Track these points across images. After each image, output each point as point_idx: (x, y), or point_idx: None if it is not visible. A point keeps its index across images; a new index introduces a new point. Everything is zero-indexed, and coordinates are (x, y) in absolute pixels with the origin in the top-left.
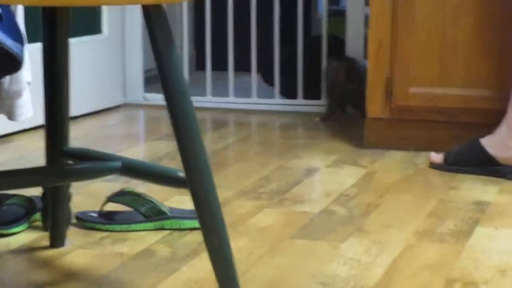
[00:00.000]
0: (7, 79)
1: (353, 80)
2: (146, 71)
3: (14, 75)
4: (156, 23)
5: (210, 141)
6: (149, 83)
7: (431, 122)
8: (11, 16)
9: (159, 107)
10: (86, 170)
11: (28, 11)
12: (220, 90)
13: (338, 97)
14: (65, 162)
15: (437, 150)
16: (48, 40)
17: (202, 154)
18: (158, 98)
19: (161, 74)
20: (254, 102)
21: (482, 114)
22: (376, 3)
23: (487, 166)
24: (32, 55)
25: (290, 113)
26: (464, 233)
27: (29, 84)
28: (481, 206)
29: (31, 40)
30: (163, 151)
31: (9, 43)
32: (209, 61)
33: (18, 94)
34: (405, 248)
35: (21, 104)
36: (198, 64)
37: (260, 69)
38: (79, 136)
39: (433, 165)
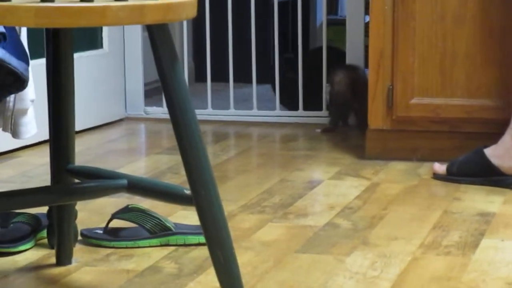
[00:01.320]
0: (11, 97)
1: (358, 91)
2: (145, 84)
3: (18, 94)
4: (160, 41)
5: (211, 154)
6: (148, 96)
7: (433, 133)
8: (16, 35)
9: (160, 120)
10: (93, 188)
11: (31, 28)
12: (220, 102)
13: (341, 109)
14: (70, 180)
15: (440, 161)
16: (52, 56)
17: (208, 170)
18: (158, 111)
19: (165, 91)
20: (254, 114)
21: (484, 124)
22: (376, 13)
23: (491, 176)
24: (35, 71)
25: (291, 125)
26: (470, 245)
27: (33, 102)
28: (486, 217)
29: (34, 56)
30: (165, 165)
31: (14, 62)
32: (209, 73)
33: (23, 112)
34: (411, 261)
35: (26, 122)
36: (198, 75)
37: (273, 85)
38: (81, 151)
39: (437, 176)
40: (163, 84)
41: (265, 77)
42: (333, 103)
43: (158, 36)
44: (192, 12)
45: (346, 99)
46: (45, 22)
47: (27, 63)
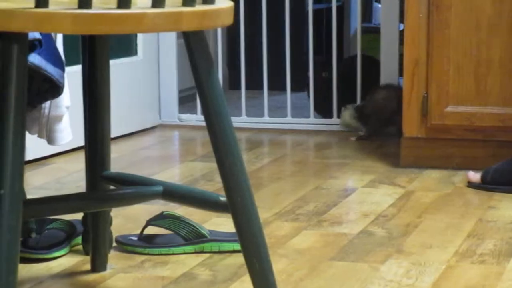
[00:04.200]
0: (47, 104)
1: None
2: (179, 91)
3: (54, 100)
4: (196, 48)
5: (245, 162)
6: (182, 103)
7: (468, 141)
8: (51, 41)
9: (194, 127)
10: (128, 195)
11: (67, 34)
12: (254, 109)
13: (381, 122)
14: (105, 186)
15: (474, 169)
16: (88, 63)
17: (244, 177)
18: (193, 118)
19: (201, 97)
20: (288, 121)
21: None
22: (411, 21)
23: None
24: (71, 78)
25: (324, 132)
26: (504, 254)
27: (68, 108)
28: None
29: (70, 63)
30: (199, 173)
31: (49, 69)
32: (243, 81)
33: (58, 118)
34: (445, 269)
35: (61, 129)
36: (232, 83)
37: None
38: (115, 158)
39: (471, 184)
40: (199, 91)
41: (299, 84)
42: (374, 120)
43: (194, 43)
44: (229, 20)
45: (387, 116)
46: (82, 29)
47: (63, 70)
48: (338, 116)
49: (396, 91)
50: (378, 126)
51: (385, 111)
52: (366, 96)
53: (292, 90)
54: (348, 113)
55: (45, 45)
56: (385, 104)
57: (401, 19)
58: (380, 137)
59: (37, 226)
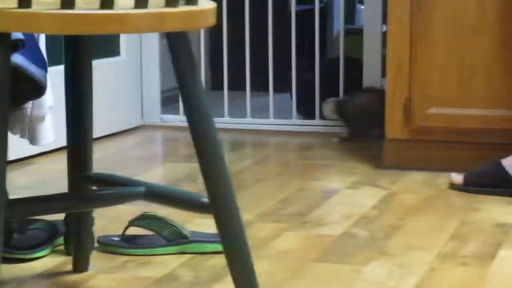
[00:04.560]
0: (29, 104)
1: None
2: (162, 92)
3: (36, 100)
4: (180, 49)
5: (228, 163)
6: (165, 103)
7: (451, 143)
8: (34, 41)
9: (176, 128)
10: (110, 196)
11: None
12: (237, 110)
13: (363, 124)
14: (87, 187)
15: (457, 171)
16: (70, 63)
17: (226, 178)
18: (175, 119)
19: (184, 98)
20: (271, 122)
21: (502, 134)
22: (394, 23)
23: (509, 187)
24: (53, 78)
25: (307, 134)
26: (487, 256)
27: (51, 108)
28: (503, 228)
29: (52, 63)
30: (182, 173)
31: (32, 69)
32: (226, 82)
33: (40, 119)
34: (428, 271)
35: (43, 129)
36: (214, 84)
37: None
38: (97, 158)
39: (454, 186)
40: (182, 91)
41: (282, 86)
42: (355, 121)
43: (177, 44)
44: (212, 21)
45: (370, 118)
46: (65, 29)
47: (46, 70)
48: (321, 118)
49: (378, 94)
50: (360, 128)
51: (367, 115)
52: (346, 94)
53: (275, 91)
54: (328, 108)
55: (27, 45)
56: (367, 107)
57: (384, 21)
58: (363, 138)
59: (19, 227)
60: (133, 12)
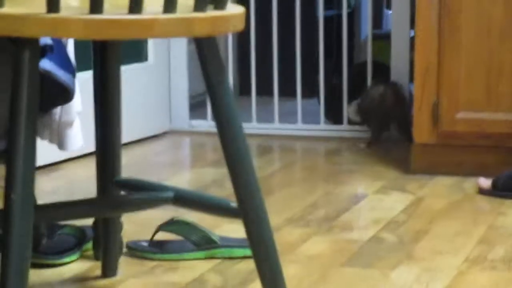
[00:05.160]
0: (58, 109)
1: (400, 104)
2: (190, 97)
3: (65, 105)
4: (208, 54)
5: (256, 168)
6: (193, 108)
7: (479, 147)
8: (62, 47)
9: (204, 133)
10: (139, 201)
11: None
12: (264, 115)
13: (382, 122)
14: (116, 192)
15: (485, 176)
16: (99, 69)
17: (254, 182)
18: (203, 124)
19: (212, 103)
20: (299, 128)
21: None
22: (422, 27)
23: None
24: (82, 83)
25: (335, 139)
26: None
27: (79, 113)
28: None
29: (81, 68)
30: (210, 179)
31: (61, 74)
32: (254, 87)
33: (69, 124)
34: (456, 275)
35: (72, 134)
36: (242, 89)
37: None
38: (125, 164)
39: (482, 191)
40: (210, 96)
41: (309, 91)
42: (373, 117)
43: (205, 49)
44: (240, 25)
45: (386, 112)
46: (93, 34)
47: (74, 75)
48: (348, 123)
49: (391, 86)
50: (379, 124)
51: (383, 107)
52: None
53: (303, 96)
54: (352, 110)
55: (56, 50)
56: (382, 99)
57: (412, 26)
58: (387, 141)
59: (48, 232)
60: (161, 17)
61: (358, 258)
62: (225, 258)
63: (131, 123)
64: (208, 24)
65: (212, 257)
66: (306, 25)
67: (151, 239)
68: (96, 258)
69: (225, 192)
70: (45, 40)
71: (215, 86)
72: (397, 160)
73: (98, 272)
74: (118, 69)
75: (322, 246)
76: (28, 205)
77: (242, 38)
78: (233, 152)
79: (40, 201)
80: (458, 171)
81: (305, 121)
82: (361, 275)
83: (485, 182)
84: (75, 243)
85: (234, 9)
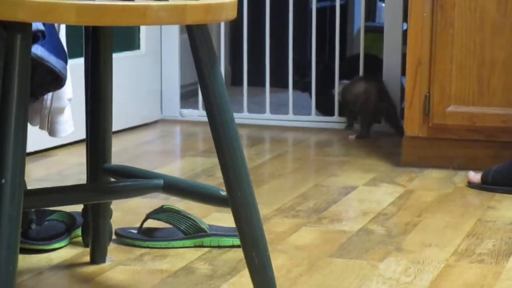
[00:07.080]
0: (49, 95)
1: (383, 96)
2: (181, 86)
3: (56, 92)
4: (200, 42)
5: (246, 158)
6: (184, 98)
7: (469, 141)
8: (55, 33)
9: (195, 123)
10: (129, 188)
11: (69, 26)
12: (256, 106)
13: (372, 116)
14: (106, 179)
15: (475, 169)
16: (91, 56)
17: (244, 171)
18: (194, 114)
19: (203, 91)
20: (290, 119)
21: None
22: (415, 20)
23: None
24: (74, 70)
25: (326, 130)
26: (503, 254)
27: (70, 100)
28: None
29: (73, 55)
30: (200, 167)
31: (52, 60)
32: (245, 77)
33: (60, 110)
34: (444, 268)
35: (63, 121)
36: (234, 79)
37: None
38: (116, 152)
39: (471, 184)
40: (201, 85)
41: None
42: (362, 111)
43: (198, 37)
44: (232, 14)
45: (373, 107)
46: (86, 20)
47: (66, 62)
48: (340, 114)
49: (372, 81)
50: (368, 120)
51: (369, 103)
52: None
53: (294, 87)
54: (340, 88)
55: (48, 36)
56: (367, 96)
57: (405, 19)
58: (377, 134)
59: (37, 217)
60: (154, 4)
61: (347, 249)
62: (213, 246)
63: (123, 111)
64: (201, 12)
65: (200, 246)
66: (299, 16)
67: (140, 226)
68: (85, 244)
69: (215, 181)
70: (37, 26)
71: (207, 75)
72: (387, 153)
73: (87, 258)
74: (110, 57)
75: (311, 237)
76: (18, 190)
77: (234, 29)
78: (223, 139)
79: (30, 187)
80: (448, 165)
81: (296, 112)
82: (350, 266)
83: (475, 176)
84: (64, 229)
85: None
